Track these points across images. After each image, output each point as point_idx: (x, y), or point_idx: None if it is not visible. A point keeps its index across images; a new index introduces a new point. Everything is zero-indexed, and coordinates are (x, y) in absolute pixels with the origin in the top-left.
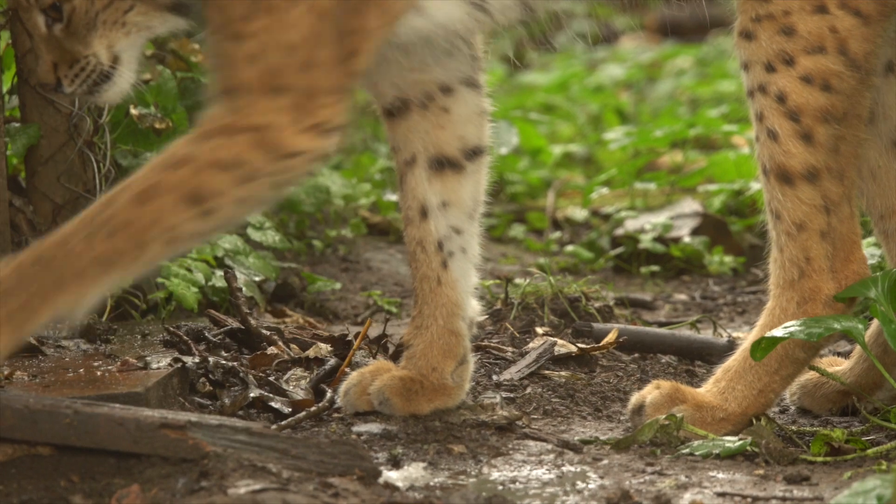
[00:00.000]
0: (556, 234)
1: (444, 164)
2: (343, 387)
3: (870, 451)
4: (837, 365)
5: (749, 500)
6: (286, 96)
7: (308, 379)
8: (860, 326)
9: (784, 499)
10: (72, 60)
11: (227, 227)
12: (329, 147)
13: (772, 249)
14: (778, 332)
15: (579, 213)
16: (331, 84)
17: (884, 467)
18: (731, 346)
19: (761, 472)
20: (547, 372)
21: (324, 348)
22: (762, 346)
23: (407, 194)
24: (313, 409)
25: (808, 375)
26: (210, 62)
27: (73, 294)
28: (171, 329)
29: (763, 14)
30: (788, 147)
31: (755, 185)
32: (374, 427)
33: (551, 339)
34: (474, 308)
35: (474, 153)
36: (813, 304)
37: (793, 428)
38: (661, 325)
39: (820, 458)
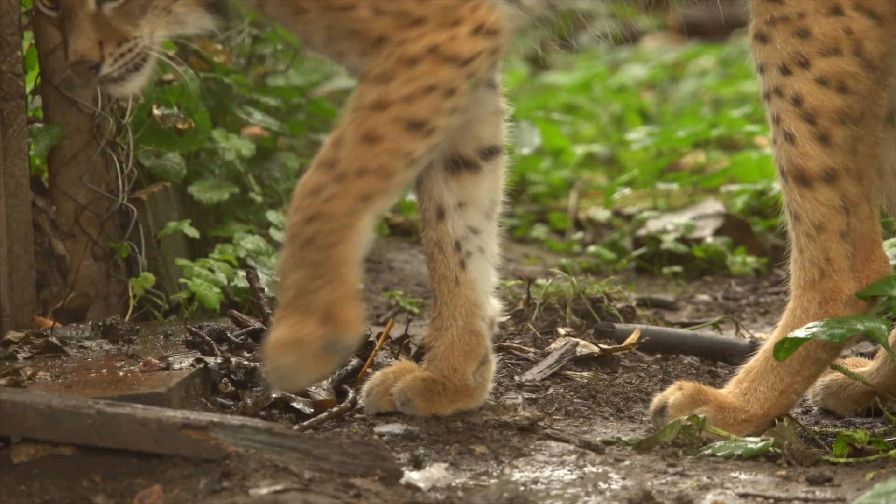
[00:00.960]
0: (579, 235)
1: (459, 165)
2: (366, 387)
3: (892, 452)
4: (862, 366)
5: (771, 500)
6: (433, 19)
7: (330, 379)
8: (883, 327)
9: (806, 500)
10: (120, 39)
11: (451, 132)
12: (498, 42)
13: (792, 250)
14: (800, 332)
15: (601, 214)
16: None
17: None
18: (754, 346)
19: (783, 472)
20: (569, 372)
21: None
22: (785, 347)
23: (423, 195)
24: (335, 409)
25: (832, 376)
26: (328, 37)
27: (353, 234)
28: (194, 329)
29: (777, 16)
30: (805, 149)
31: (777, 186)
32: (396, 428)
33: (573, 339)
34: (494, 308)
35: (490, 153)
36: (834, 304)
37: (815, 429)
38: (683, 325)
39: (842, 459)
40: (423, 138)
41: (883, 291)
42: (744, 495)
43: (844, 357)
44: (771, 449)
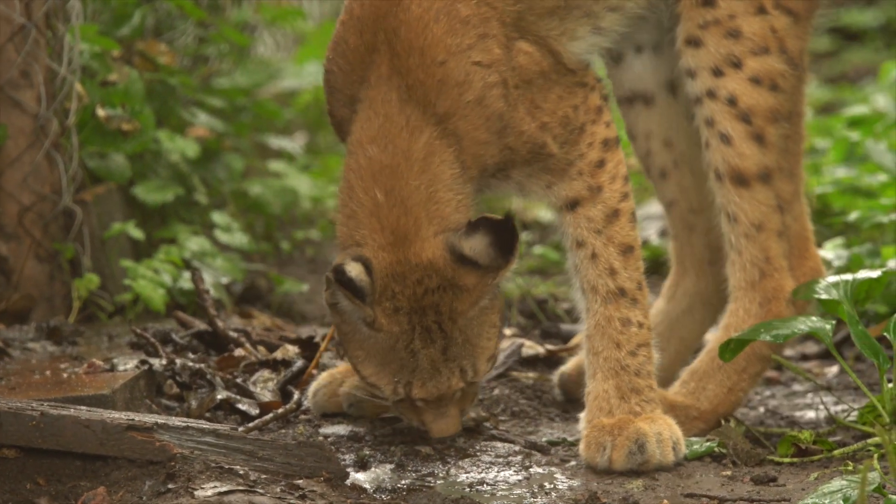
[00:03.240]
0: (525, 236)
1: None
2: (312, 388)
3: (836, 452)
4: None
5: (716, 501)
6: (588, 118)
7: (275, 381)
8: (827, 327)
9: (751, 500)
10: None
11: None
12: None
13: (728, 253)
14: (746, 333)
15: (547, 215)
16: None
17: (850, 468)
18: (700, 346)
19: (729, 473)
20: (515, 373)
21: (291, 350)
22: (731, 349)
23: None
24: (280, 410)
25: None
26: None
27: None
28: (138, 331)
29: (710, 20)
30: (742, 149)
31: None
32: (342, 429)
33: (519, 340)
34: None
35: None
36: (776, 302)
37: (760, 429)
38: None
39: (787, 459)
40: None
41: (809, 295)
42: (689, 495)
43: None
44: (716, 449)
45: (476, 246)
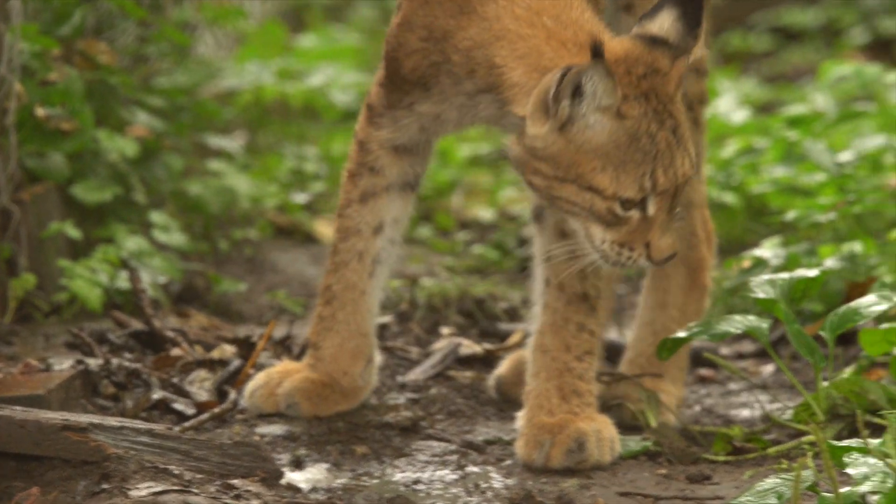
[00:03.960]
0: (463, 235)
1: (411, 186)
2: (249, 387)
3: (771, 451)
4: None
5: (651, 499)
6: None
7: (212, 380)
8: (764, 326)
9: (685, 498)
10: None
11: None
12: None
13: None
14: (682, 333)
15: (486, 214)
16: None
17: (784, 466)
18: None
19: (664, 471)
20: (452, 372)
21: (228, 350)
22: (667, 347)
23: (368, 212)
24: (216, 410)
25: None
26: None
27: None
28: (74, 331)
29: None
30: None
31: None
32: (278, 429)
33: (457, 339)
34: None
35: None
36: (702, 272)
37: (696, 427)
38: None
39: (721, 458)
40: None
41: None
42: (624, 494)
43: None
44: (652, 448)
45: (664, 24)
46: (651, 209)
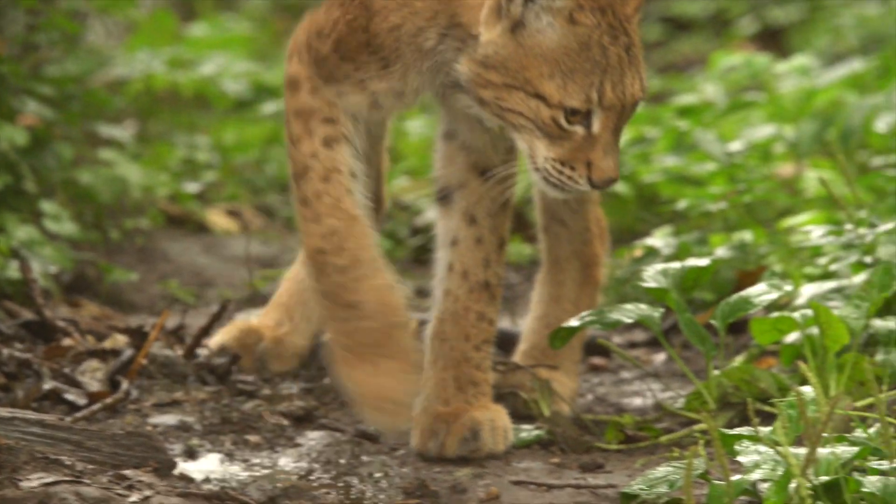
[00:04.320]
0: None
1: None
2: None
3: (663, 439)
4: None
5: (544, 488)
6: None
7: (104, 370)
8: (655, 315)
9: (578, 486)
10: None
11: None
12: None
13: (549, 225)
14: (575, 321)
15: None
16: None
17: (676, 454)
18: None
19: (557, 460)
20: None
21: (120, 339)
22: (560, 336)
23: (337, 154)
24: (108, 400)
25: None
26: None
27: None
28: None
29: None
30: None
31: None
32: (171, 419)
33: None
34: None
35: None
36: (596, 268)
37: (589, 416)
38: None
39: (614, 446)
40: None
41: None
42: (517, 483)
43: None
44: (545, 437)
45: None
46: (596, 126)
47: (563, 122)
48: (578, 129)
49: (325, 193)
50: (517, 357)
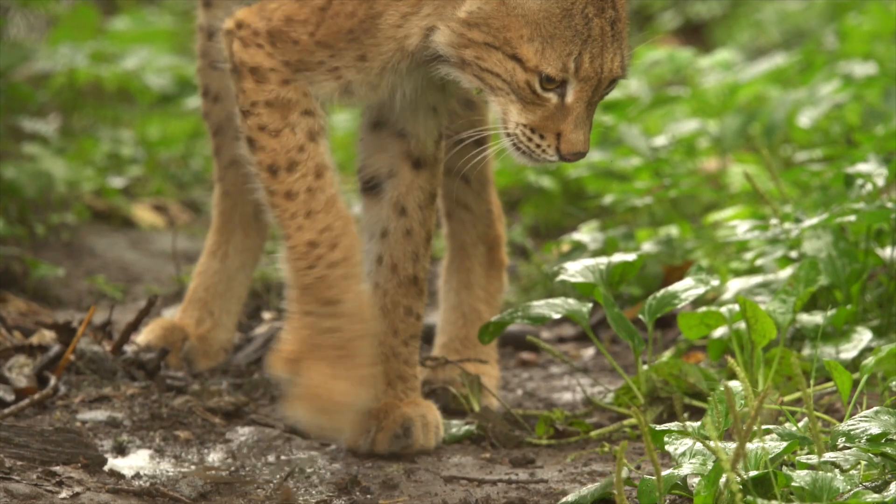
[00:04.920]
0: None
1: None
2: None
3: (593, 434)
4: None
5: (476, 483)
6: None
7: (31, 366)
8: (584, 310)
9: (510, 481)
10: None
11: None
12: None
13: (453, 211)
14: (499, 315)
15: None
16: None
17: (606, 449)
18: None
19: (488, 455)
20: None
21: (47, 335)
22: (490, 331)
23: (324, 148)
24: (37, 396)
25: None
26: None
27: None
28: None
29: None
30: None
31: None
32: (100, 414)
33: (278, 324)
34: None
35: None
36: (498, 250)
37: (519, 411)
38: None
39: (544, 441)
40: None
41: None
42: (449, 478)
43: None
44: (475, 432)
45: None
46: (570, 97)
47: (537, 87)
48: (552, 98)
49: (320, 190)
50: (437, 350)
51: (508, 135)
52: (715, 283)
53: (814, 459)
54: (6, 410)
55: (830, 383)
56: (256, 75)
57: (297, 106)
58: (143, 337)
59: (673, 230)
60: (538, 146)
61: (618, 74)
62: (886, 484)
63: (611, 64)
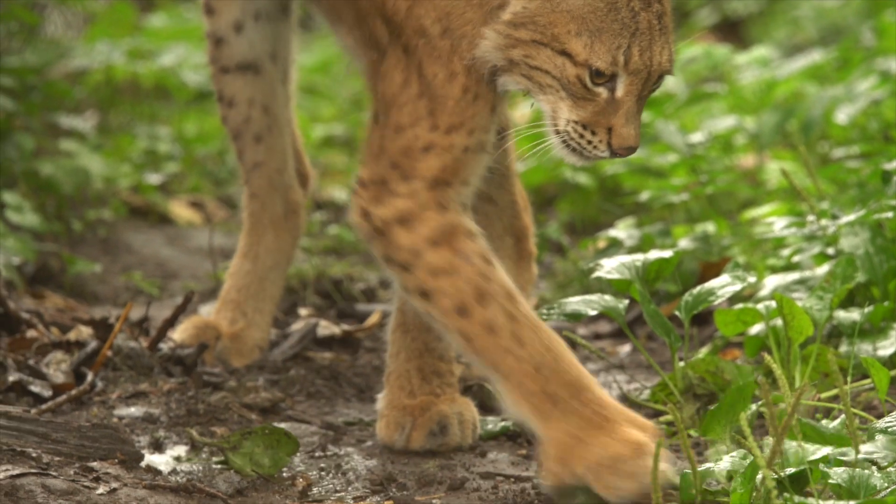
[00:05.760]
0: (319, 216)
1: None
2: None
3: None
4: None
5: (511, 479)
6: None
7: (68, 362)
8: (620, 306)
9: None
10: None
11: None
12: None
13: (479, 205)
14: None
15: (342, 194)
16: None
17: None
18: None
19: (524, 452)
20: (310, 353)
21: (84, 331)
22: None
23: None
24: (74, 392)
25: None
26: None
27: None
28: None
29: None
30: None
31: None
32: (136, 410)
33: (314, 320)
34: None
35: None
36: (526, 241)
37: None
38: None
39: None
40: None
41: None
42: (485, 475)
43: None
44: (511, 429)
45: None
46: (620, 90)
47: (587, 81)
48: (602, 92)
49: (522, 314)
50: None
51: (558, 132)
52: (751, 279)
53: (850, 456)
54: (44, 406)
55: (867, 380)
56: (404, 223)
57: (458, 229)
58: (176, 335)
59: (709, 227)
60: (589, 142)
61: (666, 68)
62: None
63: (659, 57)
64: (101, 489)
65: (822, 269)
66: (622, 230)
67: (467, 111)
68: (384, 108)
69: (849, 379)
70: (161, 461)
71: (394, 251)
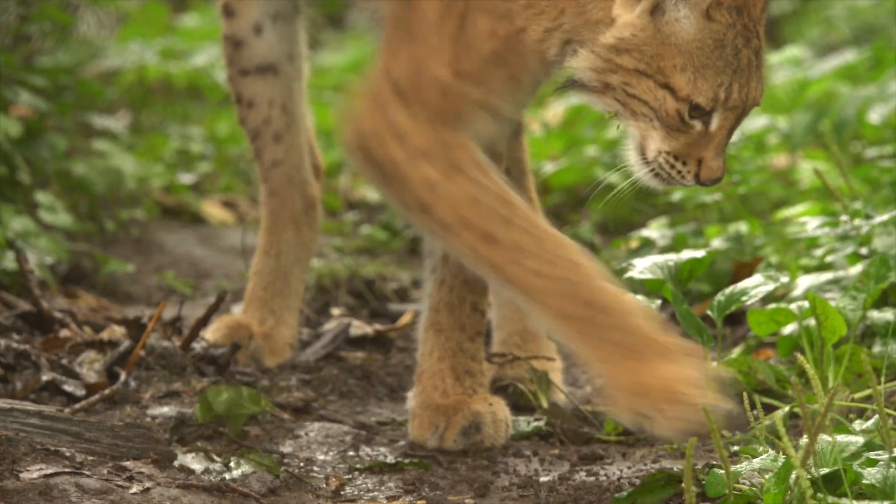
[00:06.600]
0: (352, 216)
1: None
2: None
3: None
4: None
5: (544, 479)
6: None
7: (101, 362)
8: (652, 306)
9: (579, 478)
10: None
11: None
12: None
13: None
14: None
15: (374, 194)
16: None
17: (675, 446)
18: None
19: (557, 451)
20: (343, 353)
21: (117, 331)
22: None
23: None
24: (107, 392)
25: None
26: None
27: None
28: None
29: None
30: None
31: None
32: (169, 410)
33: (347, 320)
34: None
35: None
36: None
37: (587, 408)
38: None
39: (613, 438)
40: None
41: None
42: (517, 475)
43: None
44: (544, 429)
45: None
46: (714, 124)
47: (686, 116)
48: (696, 125)
49: (548, 231)
50: (496, 346)
51: (647, 162)
52: (784, 279)
53: (884, 457)
54: (77, 406)
55: None
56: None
57: (467, 152)
58: (209, 335)
59: (742, 227)
60: (679, 172)
61: (758, 103)
62: None
63: (754, 93)
64: (135, 488)
65: (856, 269)
66: (655, 230)
67: (491, 73)
68: (406, 37)
69: (882, 379)
70: (194, 460)
71: (388, 165)
